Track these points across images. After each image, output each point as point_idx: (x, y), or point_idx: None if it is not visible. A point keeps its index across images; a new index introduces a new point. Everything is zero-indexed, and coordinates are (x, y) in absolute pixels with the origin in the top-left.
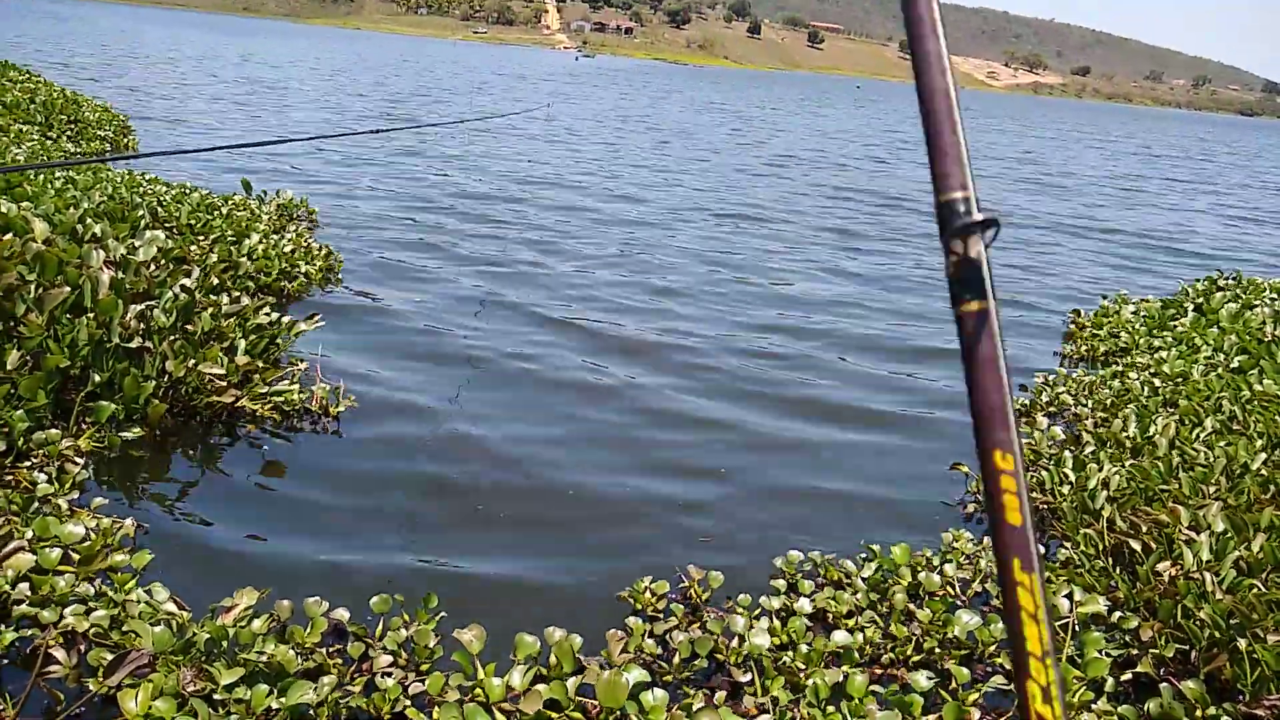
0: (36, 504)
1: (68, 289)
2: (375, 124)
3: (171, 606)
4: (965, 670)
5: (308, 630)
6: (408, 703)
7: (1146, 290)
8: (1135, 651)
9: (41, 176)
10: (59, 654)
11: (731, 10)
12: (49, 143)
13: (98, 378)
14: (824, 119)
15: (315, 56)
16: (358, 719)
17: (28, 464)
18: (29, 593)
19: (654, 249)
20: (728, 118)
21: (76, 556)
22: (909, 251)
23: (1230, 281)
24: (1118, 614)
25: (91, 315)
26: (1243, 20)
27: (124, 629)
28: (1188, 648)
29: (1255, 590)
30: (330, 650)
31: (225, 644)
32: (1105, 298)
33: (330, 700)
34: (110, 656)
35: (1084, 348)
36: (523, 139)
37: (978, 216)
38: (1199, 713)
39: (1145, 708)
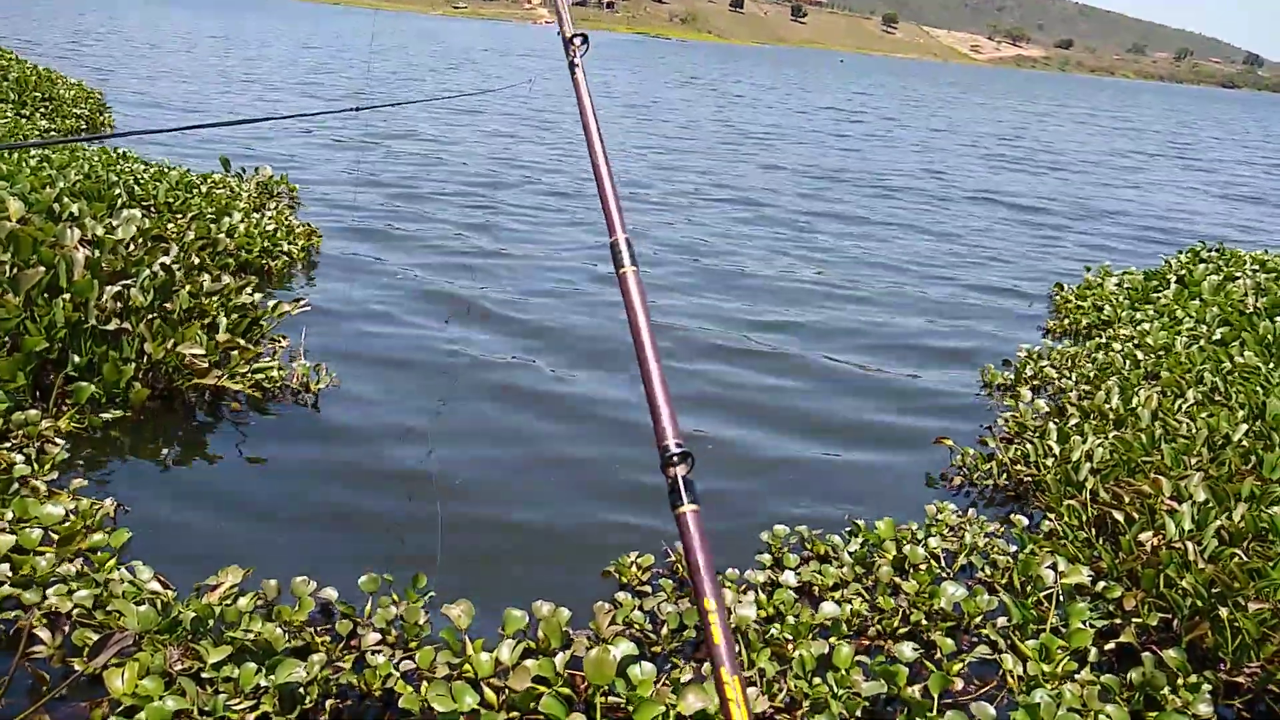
0: (15, 485)
1: (43, 269)
2: (350, 103)
3: (155, 586)
4: (950, 641)
5: (295, 609)
6: (397, 678)
7: (1132, 266)
8: (1118, 621)
9: (16, 155)
10: (43, 634)
11: None
12: (23, 120)
13: (77, 360)
14: (818, 95)
15: (298, 33)
16: (347, 696)
17: (7, 445)
18: (9, 573)
19: (640, 233)
20: (721, 98)
21: (56, 537)
22: (888, 238)
23: (1212, 253)
24: (1101, 584)
25: (67, 296)
26: None
27: (108, 609)
28: (1170, 616)
29: (1236, 559)
30: (319, 629)
31: (211, 623)
32: (1089, 270)
33: (319, 678)
34: (95, 637)
35: (1068, 320)
36: (503, 118)
37: (680, 452)
38: (1181, 680)
39: (1128, 676)
